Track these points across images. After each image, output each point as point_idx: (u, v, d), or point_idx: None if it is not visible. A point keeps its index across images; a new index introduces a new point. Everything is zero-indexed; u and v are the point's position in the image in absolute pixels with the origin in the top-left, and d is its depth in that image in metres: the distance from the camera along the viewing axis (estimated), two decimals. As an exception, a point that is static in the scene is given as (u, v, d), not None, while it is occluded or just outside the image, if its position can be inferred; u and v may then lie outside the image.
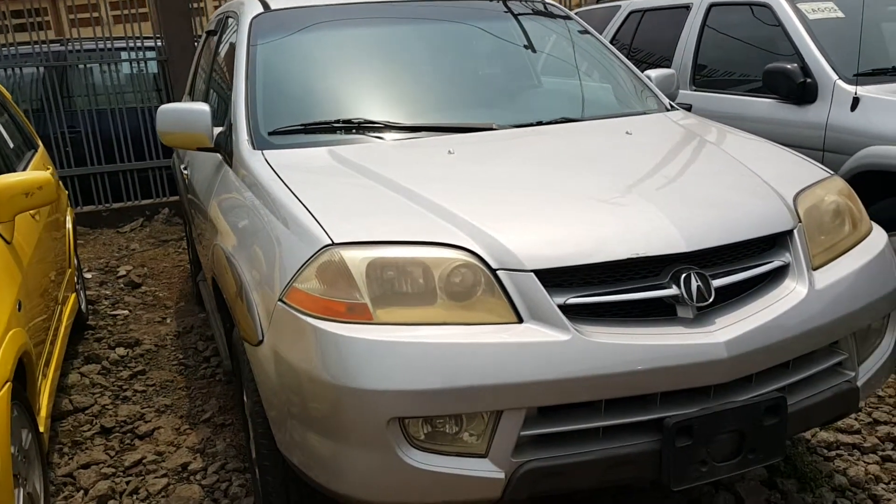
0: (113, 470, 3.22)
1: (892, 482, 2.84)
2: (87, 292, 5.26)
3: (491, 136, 2.80)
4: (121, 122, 7.20)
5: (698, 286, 2.03)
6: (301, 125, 2.85)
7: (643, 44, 5.49)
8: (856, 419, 3.21)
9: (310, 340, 2.00)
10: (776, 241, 2.27)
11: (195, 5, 7.42)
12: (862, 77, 3.98)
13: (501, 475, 1.93)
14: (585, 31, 3.64)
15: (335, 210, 2.25)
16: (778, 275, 2.22)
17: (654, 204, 2.19)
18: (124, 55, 7.30)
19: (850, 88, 3.93)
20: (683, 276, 2.04)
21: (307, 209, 2.25)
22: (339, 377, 1.93)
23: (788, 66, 4.16)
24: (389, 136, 2.81)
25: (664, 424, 1.95)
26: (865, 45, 4.08)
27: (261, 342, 2.17)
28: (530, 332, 1.94)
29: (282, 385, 2.10)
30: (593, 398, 1.94)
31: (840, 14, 4.38)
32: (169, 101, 7.24)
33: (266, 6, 3.37)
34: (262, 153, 2.69)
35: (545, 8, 3.68)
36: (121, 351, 4.38)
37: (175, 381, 4.03)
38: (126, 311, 5.03)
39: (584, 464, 1.93)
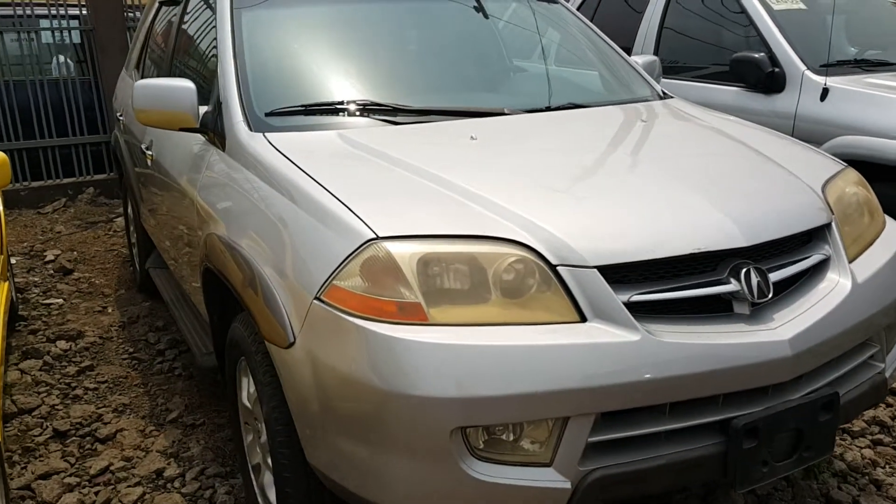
0: (77, 479, 2.93)
1: (887, 465, 2.90)
2: (15, 279, 4.82)
3: (508, 121, 2.67)
4: (41, 94, 6.65)
5: (758, 281, 1.98)
6: (302, 106, 2.63)
7: (602, 28, 5.45)
8: (842, 405, 3.27)
9: (356, 343, 1.83)
10: (813, 235, 2.24)
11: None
12: (828, 68, 4.06)
13: (568, 485, 1.82)
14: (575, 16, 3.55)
15: (369, 199, 2.07)
16: (818, 269, 2.20)
17: (706, 197, 2.12)
18: (45, 23, 6.73)
19: (820, 79, 4.00)
20: (743, 271, 1.98)
21: (337, 199, 2.06)
22: (392, 383, 1.78)
23: (756, 56, 4.21)
24: (397, 119, 2.63)
25: (732, 426, 1.89)
26: (826, 37, 4.17)
27: (292, 344, 1.99)
28: (599, 333, 1.83)
29: (319, 391, 1.92)
30: (663, 401, 1.86)
31: (802, 6, 4.47)
32: (93, 74, 6.79)
33: None
34: (264, 136, 2.48)
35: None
36: (62, 344, 4.02)
37: (129, 376, 3.73)
38: (60, 300, 4.64)
39: (655, 469, 1.85)
